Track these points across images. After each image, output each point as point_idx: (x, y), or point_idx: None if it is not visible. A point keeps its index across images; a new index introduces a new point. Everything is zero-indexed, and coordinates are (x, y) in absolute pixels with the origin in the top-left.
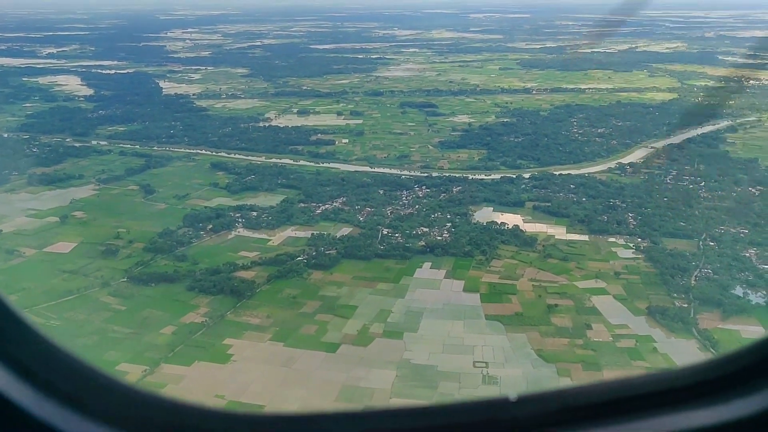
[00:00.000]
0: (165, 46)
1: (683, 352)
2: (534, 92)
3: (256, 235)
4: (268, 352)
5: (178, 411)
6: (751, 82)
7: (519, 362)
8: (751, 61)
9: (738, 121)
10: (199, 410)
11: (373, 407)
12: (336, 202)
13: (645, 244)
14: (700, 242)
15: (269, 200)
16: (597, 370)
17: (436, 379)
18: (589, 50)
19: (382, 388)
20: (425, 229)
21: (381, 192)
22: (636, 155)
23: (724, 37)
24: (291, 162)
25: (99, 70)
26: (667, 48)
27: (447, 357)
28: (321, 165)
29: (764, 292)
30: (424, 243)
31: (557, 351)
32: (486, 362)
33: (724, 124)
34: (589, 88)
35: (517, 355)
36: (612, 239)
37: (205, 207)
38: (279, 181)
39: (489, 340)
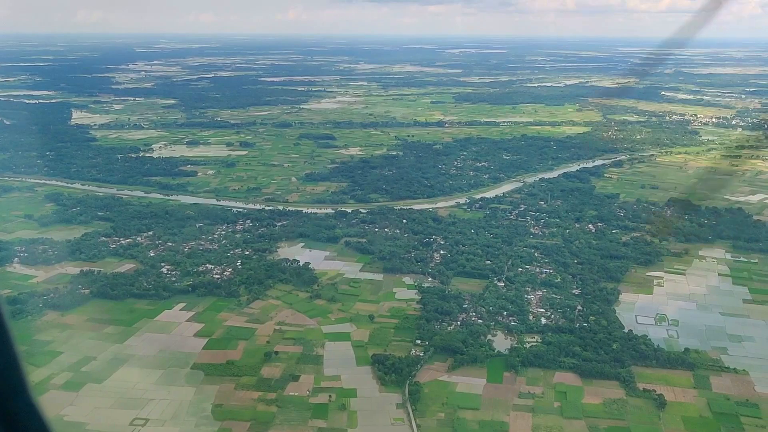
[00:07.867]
0: (114, 77)
1: (376, 410)
2: (446, 125)
3: (27, 271)
4: None
5: None
6: (673, 117)
7: (184, 419)
8: (689, 97)
9: (633, 155)
10: None
11: None
12: (141, 236)
13: (433, 284)
14: (489, 283)
15: (74, 233)
16: (264, 430)
17: None
18: (536, 84)
19: None
20: (210, 266)
21: (198, 226)
22: (500, 190)
23: (680, 73)
24: (141, 193)
25: (25, 100)
26: (617, 83)
27: (110, 413)
28: (165, 197)
29: (515, 339)
30: (192, 282)
31: (238, 407)
32: (147, 419)
33: (618, 158)
34: (506, 122)
35: (189, 412)
36: (406, 278)
37: None
38: (101, 214)
39: (173, 393)
